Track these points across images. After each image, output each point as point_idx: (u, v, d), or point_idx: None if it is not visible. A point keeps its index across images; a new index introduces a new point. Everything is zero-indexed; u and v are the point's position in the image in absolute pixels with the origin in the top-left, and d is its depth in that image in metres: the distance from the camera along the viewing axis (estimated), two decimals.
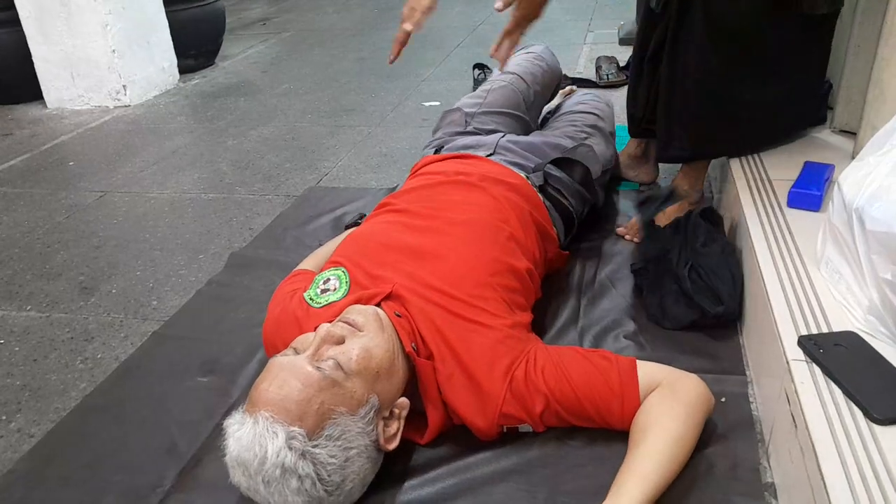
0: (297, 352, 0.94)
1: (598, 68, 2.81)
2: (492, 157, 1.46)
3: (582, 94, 1.89)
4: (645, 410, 0.96)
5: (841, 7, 1.45)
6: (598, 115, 1.75)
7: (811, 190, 1.30)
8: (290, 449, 0.82)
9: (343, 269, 1.15)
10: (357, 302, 1.05)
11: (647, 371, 1.00)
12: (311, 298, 1.12)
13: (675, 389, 0.97)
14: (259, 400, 0.86)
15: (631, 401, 0.98)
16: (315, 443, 0.85)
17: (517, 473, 0.99)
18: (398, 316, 1.04)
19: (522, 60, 1.86)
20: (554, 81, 1.93)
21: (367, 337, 0.96)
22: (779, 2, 1.34)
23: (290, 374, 0.88)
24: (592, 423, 1.01)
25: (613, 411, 0.98)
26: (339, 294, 1.11)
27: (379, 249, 1.17)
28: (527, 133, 1.71)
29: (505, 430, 1.02)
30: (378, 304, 1.05)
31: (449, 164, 1.44)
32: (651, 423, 0.94)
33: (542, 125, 1.86)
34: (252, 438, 0.83)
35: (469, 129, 1.66)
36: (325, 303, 1.10)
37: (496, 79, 1.81)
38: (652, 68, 1.57)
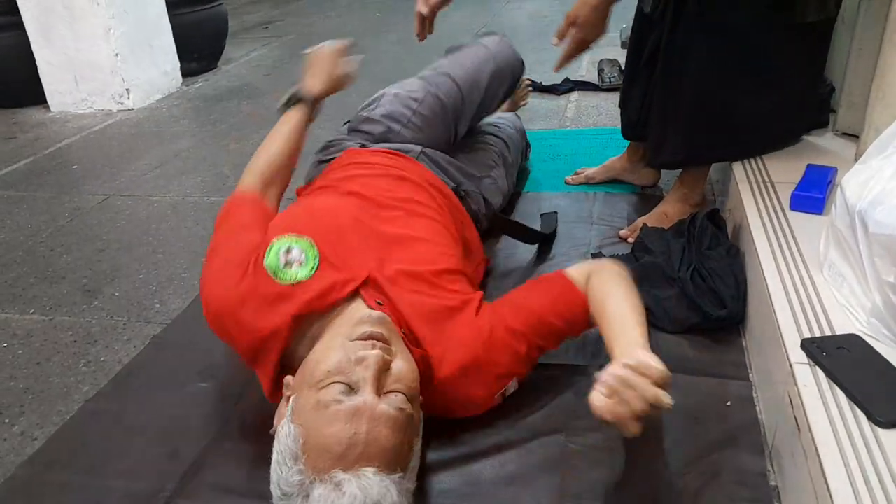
0: (350, 388, 0.86)
1: (600, 71, 2.81)
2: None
3: (498, 116, 1.85)
4: (593, 290, 1.08)
5: (835, 14, 1.45)
6: (507, 144, 1.75)
7: (814, 193, 1.30)
8: (401, 495, 0.82)
9: (309, 240, 1.07)
10: (331, 286, 1.01)
11: (574, 270, 1.13)
12: (273, 271, 1.03)
13: (600, 271, 1.11)
14: (353, 456, 0.80)
15: (579, 295, 1.09)
16: (409, 479, 0.86)
17: (521, 478, 0.99)
18: (379, 304, 1.02)
19: (470, 64, 1.62)
20: (506, 81, 1.66)
21: (400, 354, 0.93)
22: (773, 9, 1.34)
23: (375, 422, 0.82)
24: (563, 334, 1.10)
25: (574, 311, 1.08)
26: (307, 271, 1.03)
27: (344, 231, 1.12)
28: (444, 143, 1.58)
29: (500, 396, 1.06)
30: (356, 292, 1.03)
31: (381, 158, 1.39)
32: (604, 292, 1.06)
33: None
34: (356, 495, 0.77)
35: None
36: (293, 280, 1.02)
37: (434, 82, 1.59)
38: (647, 73, 1.57)
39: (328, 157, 1.50)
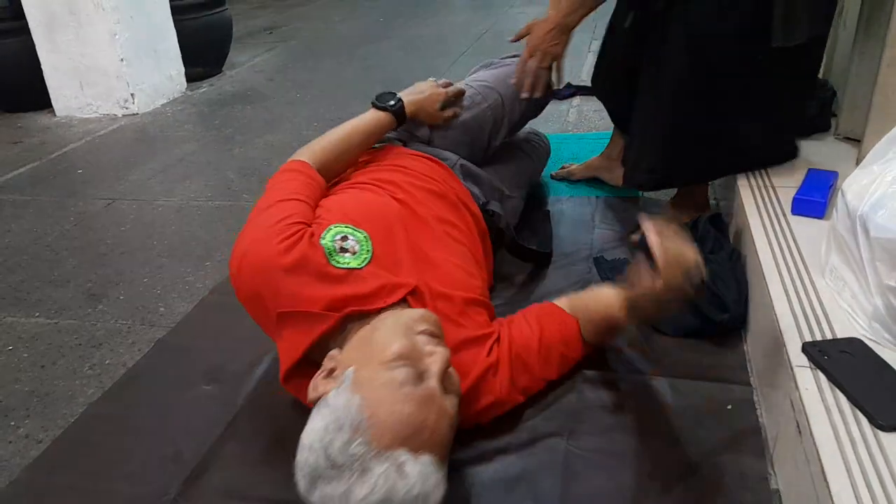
0: (418, 377, 0.86)
1: None
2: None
3: (531, 131, 1.85)
4: (573, 309, 1.15)
5: (824, 34, 1.43)
6: (536, 167, 1.81)
7: (815, 197, 1.30)
8: (442, 483, 0.83)
9: (366, 234, 1.09)
10: (383, 287, 1.03)
11: (564, 300, 1.17)
12: (329, 252, 1.04)
13: (578, 296, 1.17)
14: (419, 440, 0.81)
15: (572, 321, 1.14)
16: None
17: (522, 481, 0.99)
18: None
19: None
20: (540, 101, 1.69)
21: (449, 353, 0.94)
22: (757, 32, 1.32)
23: (441, 415, 0.85)
24: (566, 359, 1.14)
25: (571, 334, 1.13)
26: (359, 262, 1.05)
27: (394, 237, 1.13)
28: (480, 153, 1.60)
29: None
30: (404, 298, 1.04)
31: (422, 165, 1.38)
32: (580, 301, 1.15)
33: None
34: (416, 481, 0.78)
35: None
36: (345, 266, 1.03)
37: (481, 93, 1.60)
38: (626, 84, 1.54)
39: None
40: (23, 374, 1.36)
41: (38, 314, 1.57)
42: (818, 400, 0.87)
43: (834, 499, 0.74)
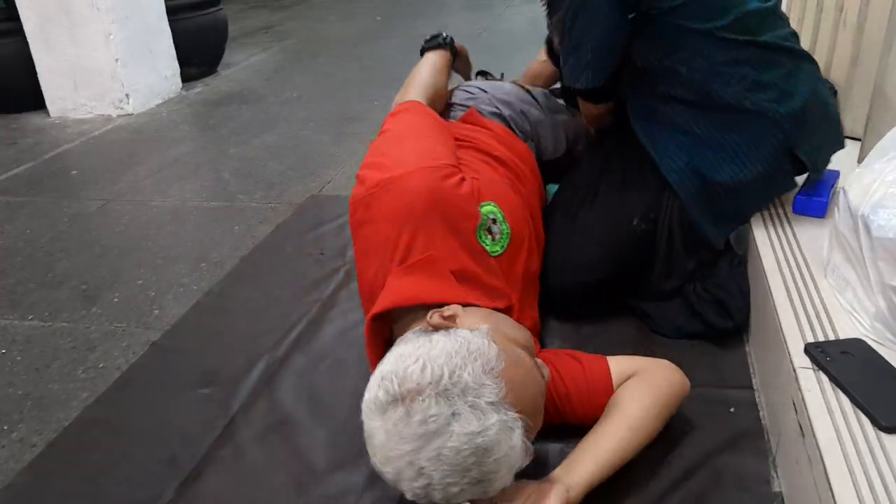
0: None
1: None
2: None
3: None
4: (616, 395, 1.00)
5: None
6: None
7: (816, 196, 1.30)
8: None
9: (510, 230, 1.11)
10: (496, 287, 1.03)
11: (620, 365, 1.03)
12: (480, 226, 1.05)
13: (644, 377, 1.00)
14: (533, 423, 0.82)
15: (607, 396, 1.00)
16: None
17: None
18: None
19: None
20: None
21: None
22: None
23: (543, 410, 0.87)
24: (568, 420, 1.02)
25: (589, 408, 1.00)
26: (494, 249, 1.07)
27: (519, 251, 1.13)
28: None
29: None
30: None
31: (505, 152, 1.32)
32: (615, 405, 0.97)
33: None
34: (518, 449, 0.78)
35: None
36: (484, 246, 1.06)
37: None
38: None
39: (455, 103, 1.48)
40: (17, 378, 1.35)
41: (32, 317, 1.56)
42: (820, 401, 0.87)
43: (837, 501, 0.73)
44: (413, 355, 0.79)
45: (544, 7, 1.37)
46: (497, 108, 1.43)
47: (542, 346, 1.26)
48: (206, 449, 1.09)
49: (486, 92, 1.49)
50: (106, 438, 1.15)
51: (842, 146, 1.35)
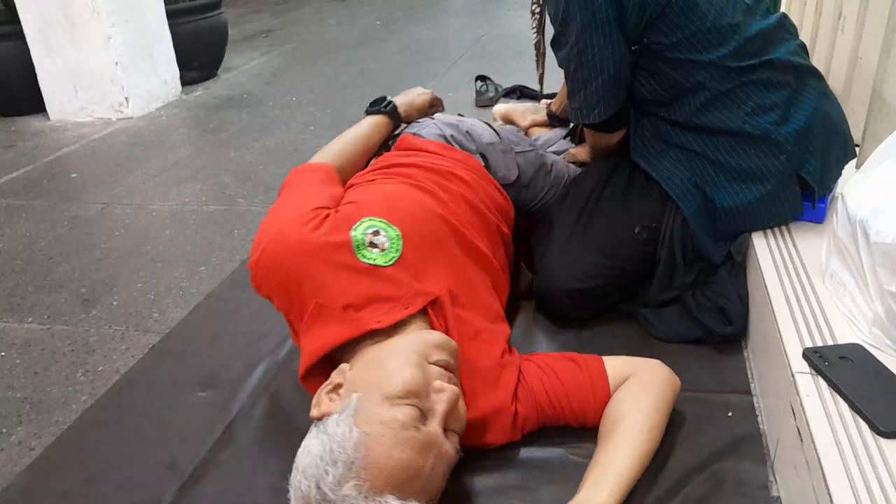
0: (422, 414, 0.84)
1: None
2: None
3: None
4: (616, 402, 1.01)
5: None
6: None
7: (816, 202, 1.30)
8: None
9: (398, 233, 1.06)
10: (403, 292, 1.01)
11: (615, 366, 1.05)
12: (357, 245, 1.02)
13: (642, 381, 1.03)
14: (412, 487, 0.81)
15: (603, 398, 1.03)
16: None
17: (521, 488, 0.98)
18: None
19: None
20: None
21: (458, 392, 0.90)
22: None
23: (439, 459, 0.84)
24: (566, 422, 1.05)
25: (587, 409, 1.03)
26: (386, 259, 1.03)
27: (425, 238, 1.10)
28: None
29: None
30: (424, 309, 1.01)
31: (445, 160, 1.31)
32: (623, 415, 0.98)
33: None
34: None
35: None
36: (370, 262, 1.02)
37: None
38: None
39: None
40: (15, 381, 1.35)
41: (31, 319, 1.56)
42: (819, 406, 0.87)
43: None
44: (297, 464, 0.84)
45: (535, 32, 1.37)
46: (440, 129, 1.40)
47: (540, 349, 1.26)
48: (206, 452, 1.09)
49: (433, 119, 1.47)
50: (105, 441, 1.15)
51: (853, 155, 1.34)
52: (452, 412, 0.87)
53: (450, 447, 0.86)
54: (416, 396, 0.84)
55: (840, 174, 1.33)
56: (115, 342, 1.45)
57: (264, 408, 1.19)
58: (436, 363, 0.90)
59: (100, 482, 1.06)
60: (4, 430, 1.21)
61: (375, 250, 1.03)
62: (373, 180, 1.22)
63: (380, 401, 0.84)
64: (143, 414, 1.21)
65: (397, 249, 1.05)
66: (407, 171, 1.24)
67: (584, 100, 1.29)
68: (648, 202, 1.31)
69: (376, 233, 1.05)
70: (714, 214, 1.28)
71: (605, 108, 1.28)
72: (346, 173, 1.31)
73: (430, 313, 1.02)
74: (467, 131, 1.41)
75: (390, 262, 1.03)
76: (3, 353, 1.44)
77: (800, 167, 1.23)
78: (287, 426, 1.13)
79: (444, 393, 0.87)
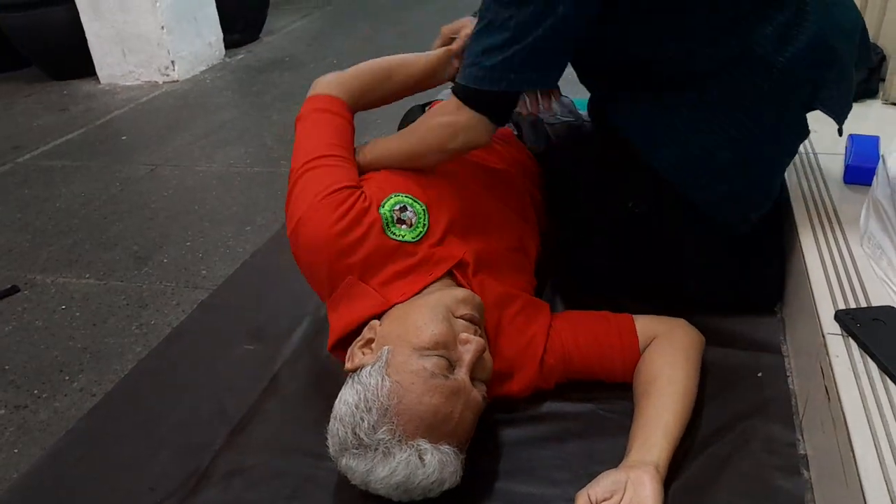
0: (450, 364, 0.88)
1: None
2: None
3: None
4: (648, 360, 1.03)
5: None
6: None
7: (868, 164, 1.23)
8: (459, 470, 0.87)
9: (424, 207, 1.08)
10: (427, 257, 1.03)
11: (643, 323, 1.07)
12: (387, 224, 1.04)
13: (671, 339, 1.04)
14: (442, 431, 0.85)
15: (633, 354, 1.05)
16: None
17: (552, 441, 1.01)
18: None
19: None
20: None
21: (484, 343, 0.93)
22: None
23: (467, 406, 0.87)
24: (595, 377, 1.07)
25: (616, 365, 1.05)
26: (413, 235, 1.04)
27: (450, 207, 1.10)
28: None
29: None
30: (450, 271, 1.04)
31: None
32: (657, 374, 1.00)
33: None
34: (434, 469, 0.83)
35: None
36: (399, 239, 1.03)
37: None
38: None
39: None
40: (76, 332, 1.43)
41: (88, 275, 1.64)
42: (848, 367, 0.88)
43: (858, 462, 0.75)
44: (334, 412, 0.89)
45: None
46: None
47: (570, 306, 1.28)
48: (254, 401, 1.14)
49: None
50: (159, 389, 1.22)
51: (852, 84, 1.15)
52: (479, 362, 0.91)
53: (477, 394, 0.89)
54: (444, 347, 0.88)
55: (850, 107, 1.16)
56: (167, 297, 1.52)
57: (307, 362, 1.23)
58: (462, 317, 0.93)
59: (156, 424, 1.12)
60: (67, 378, 1.30)
61: (403, 227, 1.05)
62: None
63: (410, 352, 0.88)
64: (193, 365, 1.27)
65: (424, 225, 1.07)
66: None
67: (502, 60, 0.95)
68: (633, 174, 1.17)
69: (403, 208, 1.06)
70: (720, 176, 1.12)
71: (524, 78, 0.98)
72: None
73: (456, 273, 1.05)
74: None
75: (418, 238, 1.05)
76: (64, 307, 1.52)
77: (812, 101, 1.09)
78: (328, 379, 1.17)
79: (470, 343, 0.90)
